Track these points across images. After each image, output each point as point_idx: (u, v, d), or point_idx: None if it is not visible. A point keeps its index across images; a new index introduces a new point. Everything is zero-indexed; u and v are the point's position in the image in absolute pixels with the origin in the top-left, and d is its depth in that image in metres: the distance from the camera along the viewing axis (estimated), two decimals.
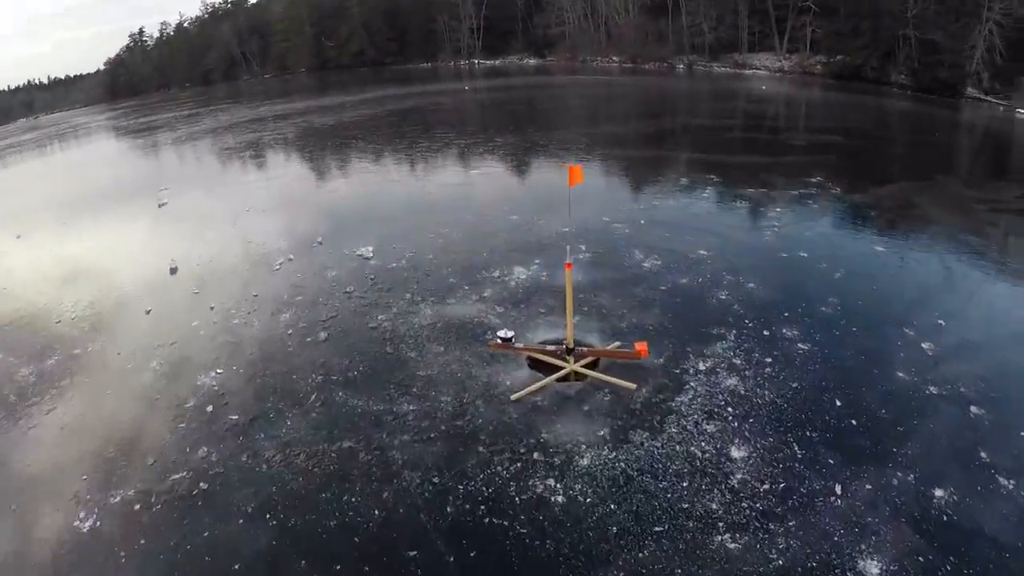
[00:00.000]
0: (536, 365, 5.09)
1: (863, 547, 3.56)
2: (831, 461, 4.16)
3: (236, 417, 4.69)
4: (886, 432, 4.41)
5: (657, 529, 3.65)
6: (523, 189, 10.86)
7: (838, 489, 3.96)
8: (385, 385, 4.90)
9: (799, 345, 5.31)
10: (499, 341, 4.97)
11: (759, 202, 9.38)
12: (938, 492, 3.93)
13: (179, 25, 59.10)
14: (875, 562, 3.44)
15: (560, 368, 4.94)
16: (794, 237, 7.80)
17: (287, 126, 20.80)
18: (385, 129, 18.66)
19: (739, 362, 5.07)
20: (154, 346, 5.81)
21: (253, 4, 55.81)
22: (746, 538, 3.58)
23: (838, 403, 4.64)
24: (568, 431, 4.34)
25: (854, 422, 4.47)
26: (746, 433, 4.34)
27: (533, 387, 4.69)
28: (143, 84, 57.35)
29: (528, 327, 5.63)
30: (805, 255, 7.23)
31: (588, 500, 3.84)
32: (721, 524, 3.66)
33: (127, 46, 61.02)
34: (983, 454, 4.10)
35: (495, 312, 5.91)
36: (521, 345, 5.08)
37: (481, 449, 4.19)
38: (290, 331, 5.86)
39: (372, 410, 4.63)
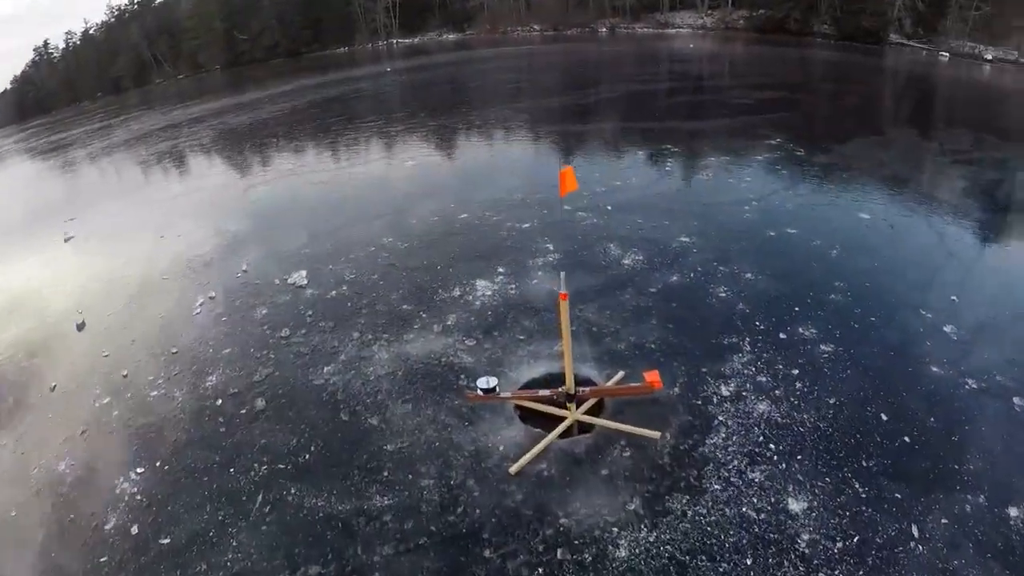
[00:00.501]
0: (528, 415, 4.16)
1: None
2: (898, 495, 3.52)
3: (168, 541, 3.56)
4: (941, 445, 3.82)
5: None
6: (466, 179, 9.75)
7: (915, 531, 3.34)
8: (347, 471, 3.86)
9: (822, 347, 4.62)
10: (480, 393, 4.00)
11: (727, 172, 8.73)
12: (1013, 512, 3.39)
13: (85, 33, 55.78)
14: None
15: (560, 419, 4.02)
16: (775, 211, 7.16)
17: (202, 130, 18.82)
18: (307, 123, 17.01)
19: (764, 380, 4.30)
20: (60, 440, 4.53)
21: (160, 3, 52.77)
22: None
23: (884, 417, 3.98)
24: (590, 510, 3.46)
25: (907, 439, 3.84)
26: (798, 476, 3.59)
27: (533, 451, 3.78)
28: (52, 100, 53.85)
29: (508, 362, 4.69)
30: (794, 231, 6.60)
31: None
32: None
33: (32, 61, 57.63)
34: None
35: (464, 346, 4.92)
36: (508, 394, 4.13)
37: (488, 554, 3.27)
38: (219, 401, 4.70)
39: (337, 512, 3.60)
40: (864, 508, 3.44)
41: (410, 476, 3.79)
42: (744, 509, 3.44)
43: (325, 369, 4.90)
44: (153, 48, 50.52)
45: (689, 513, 3.43)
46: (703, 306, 5.23)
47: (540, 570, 3.17)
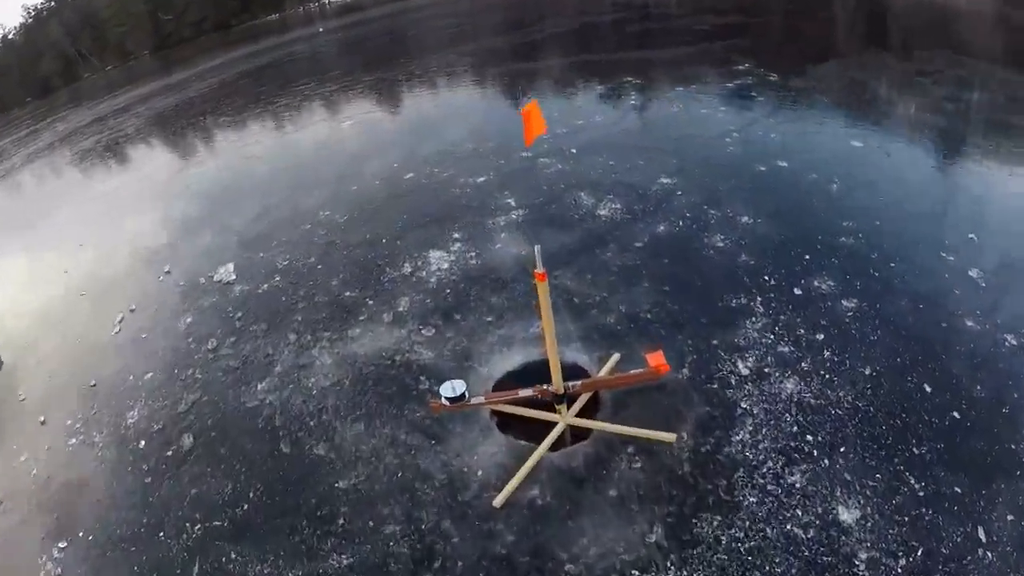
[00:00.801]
0: (508, 421, 3.37)
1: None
2: (957, 489, 2.93)
3: None
4: (992, 420, 3.23)
5: None
6: (410, 134, 8.57)
7: (981, 534, 2.77)
8: (295, 522, 3.04)
9: (844, 304, 3.94)
10: (445, 402, 3.15)
11: (698, 102, 7.86)
12: None
13: (3, 39, 51.62)
14: None
15: (548, 425, 3.24)
16: (760, 143, 6.37)
17: (128, 119, 16.94)
18: (237, 96, 15.24)
19: (786, 350, 3.60)
20: None
21: None
22: None
23: (927, 388, 3.36)
24: (601, 547, 2.75)
25: (956, 414, 3.23)
26: (844, 474, 2.94)
27: (520, 474, 3.01)
28: None
29: (477, 353, 3.86)
30: (785, 165, 5.83)
31: None
32: None
33: None
34: None
35: (421, 338, 4.05)
36: (481, 398, 3.30)
37: None
38: (143, 443, 3.78)
39: None
40: (923, 510, 2.84)
41: (371, 523, 2.97)
42: (788, 527, 2.76)
43: (259, 386, 3.98)
44: (77, 43, 47.77)
45: (723, 539, 2.74)
46: (700, 260, 4.46)
47: None
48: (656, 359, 3.36)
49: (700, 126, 6.96)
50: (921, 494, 2.90)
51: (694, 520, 2.83)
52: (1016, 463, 3.03)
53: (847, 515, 2.82)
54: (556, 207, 5.40)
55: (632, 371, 3.45)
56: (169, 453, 3.65)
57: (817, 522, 2.80)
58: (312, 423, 3.60)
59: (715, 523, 2.81)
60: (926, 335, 3.69)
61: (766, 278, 4.25)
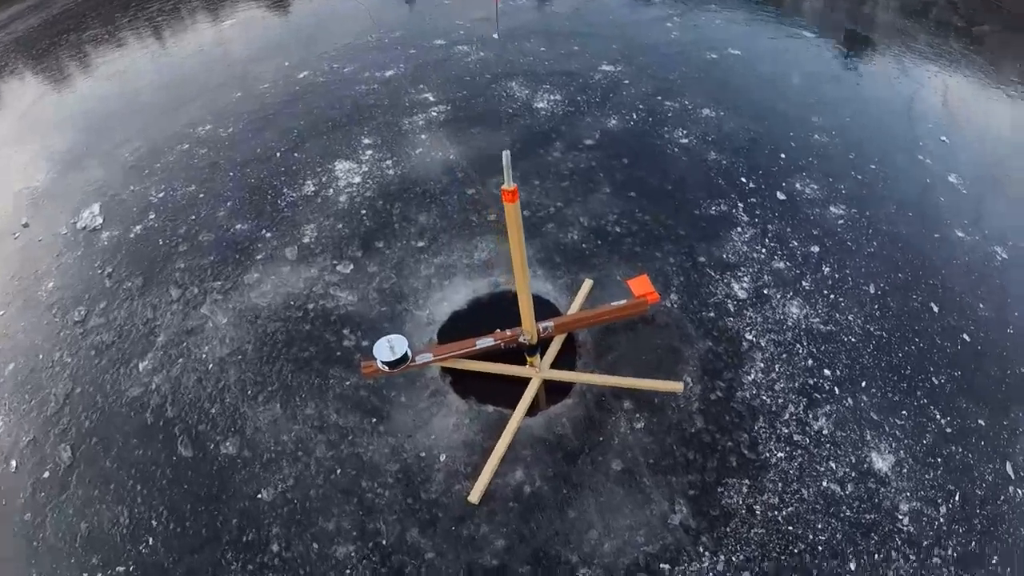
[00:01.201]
0: (463, 381, 2.63)
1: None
2: (981, 422, 2.68)
3: None
4: (1000, 341, 2.99)
5: None
6: (304, 27, 6.85)
7: (1009, 470, 2.56)
8: (215, 557, 2.26)
9: (832, 210, 3.50)
10: (383, 366, 2.34)
11: None
12: None
13: None
14: None
15: (520, 382, 2.55)
16: (707, 28, 5.67)
17: None
18: (105, 6, 11.81)
19: (783, 265, 3.11)
20: None
21: None
22: None
23: (934, 308, 3.05)
24: (617, 540, 2.18)
25: (966, 336, 2.98)
26: (871, 413, 2.56)
27: (497, 455, 2.30)
28: None
29: (410, 290, 3.04)
30: (738, 53, 5.19)
31: None
32: None
33: None
34: None
35: (338, 276, 3.14)
36: (429, 356, 2.51)
37: None
38: (13, 464, 2.64)
39: None
40: (953, 448, 2.55)
41: (315, 545, 2.19)
42: (824, 483, 2.32)
43: (141, 366, 2.91)
44: None
45: (757, 508, 2.24)
46: (665, 160, 3.79)
47: None
48: (641, 286, 2.73)
49: (636, 8, 6.07)
50: (948, 430, 2.58)
51: (720, 489, 2.30)
52: (1020, 393, 2.77)
53: (881, 462, 2.43)
54: (483, 101, 4.43)
55: (615, 303, 2.78)
56: (46, 475, 2.58)
57: (853, 474, 2.39)
58: (213, 410, 2.65)
59: (744, 489, 2.30)
60: (922, 247, 3.33)
61: (743, 180, 3.66)
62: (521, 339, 2.41)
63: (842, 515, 2.31)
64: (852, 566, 2.21)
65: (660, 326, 2.84)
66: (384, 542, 2.18)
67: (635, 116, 4.25)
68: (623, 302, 2.79)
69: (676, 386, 2.52)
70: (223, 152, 4.17)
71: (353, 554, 2.16)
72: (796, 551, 2.22)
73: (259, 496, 2.33)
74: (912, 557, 2.25)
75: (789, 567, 2.18)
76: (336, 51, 5.33)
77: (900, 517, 2.34)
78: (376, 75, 4.78)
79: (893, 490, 2.40)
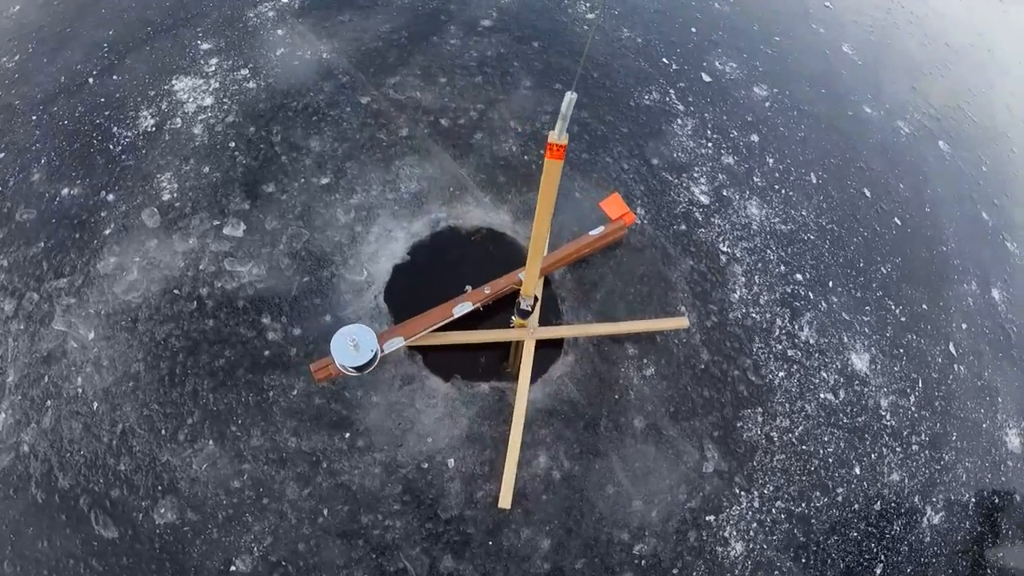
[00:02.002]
0: (436, 357, 2.25)
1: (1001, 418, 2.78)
2: (924, 306, 2.97)
3: None
4: (922, 220, 3.28)
5: None
6: None
7: (952, 349, 2.90)
8: None
9: (756, 91, 3.45)
10: (350, 371, 1.88)
11: None
12: (996, 295, 3.19)
13: None
14: None
15: (510, 347, 2.24)
16: None
17: None
18: None
19: (731, 161, 3.03)
20: None
21: None
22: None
23: (867, 193, 3.25)
24: (664, 504, 2.11)
25: (897, 220, 3.22)
26: (842, 314, 2.74)
27: (514, 445, 2.02)
28: None
29: (333, 248, 2.44)
30: None
31: None
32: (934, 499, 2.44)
33: None
34: (985, 216, 3.40)
35: (226, 242, 2.43)
36: (400, 340, 2.07)
37: None
38: None
39: None
40: (910, 336, 2.82)
41: None
42: (822, 395, 2.40)
43: None
44: None
45: (775, 435, 2.26)
46: (580, 42, 3.36)
47: None
48: (616, 207, 2.46)
49: None
50: (903, 319, 2.79)
51: (738, 424, 2.26)
52: (950, 266, 3.05)
53: (860, 362, 2.57)
54: None
55: (593, 232, 2.47)
56: None
57: (842, 380, 2.50)
58: (122, 466, 1.95)
59: (759, 418, 2.28)
60: (841, 128, 3.42)
61: (665, 61, 3.39)
62: (523, 305, 2.02)
63: (841, 424, 2.41)
64: (857, 471, 2.33)
65: (638, 249, 2.59)
66: None
67: None
68: (601, 229, 2.48)
69: (682, 322, 2.35)
70: (15, 89, 2.89)
71: None
72: (812, 468, 2.28)
73: (232, 569, 1.80)
74: (898, 450, 2.44)
75: (810, 485, 2.24)
76: None
77: (883, 414, 2.50)
78: None
79: (873, 388, 2.53)
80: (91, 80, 2.94)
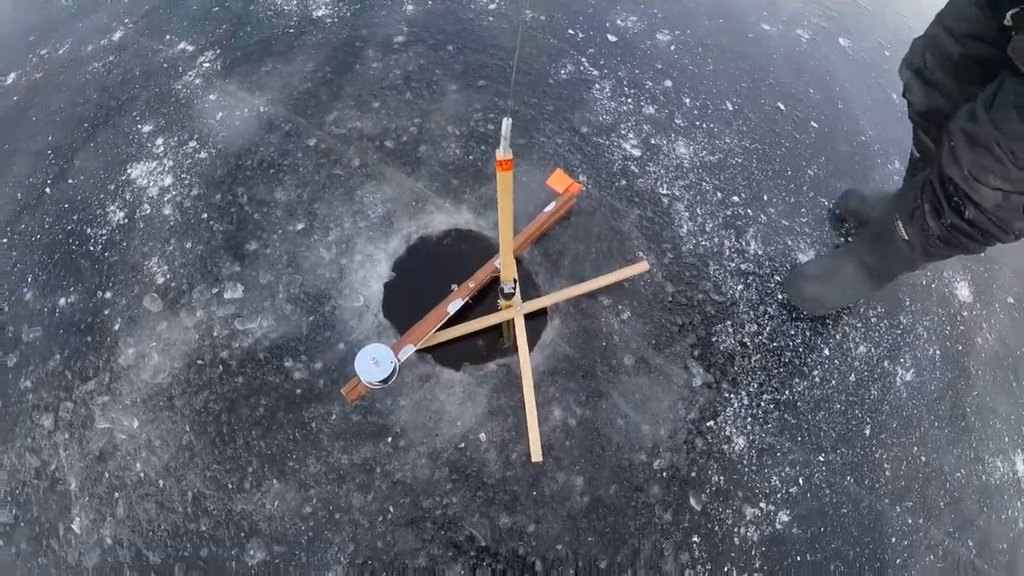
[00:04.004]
0: (442, 352, 2.67)
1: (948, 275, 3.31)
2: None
3: None
4: (837, 117, 3.69)
5: None
6: None
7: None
8: None
9: (659, 38, 3.90)
10: (375, 385, 2.30)
11: None
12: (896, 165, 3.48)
13: None
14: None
15: (502, 327, 2.67)
16: None
17: None
18: None
19: (652, 110, 3.47)
20: None
21: None
22: None
23: (781, 106, 3.71)
24: (667, 421, 2.53)
25: (814, 124, 3.67)
26: (782, 221, 3.22)
27: (531, 408, 2.46)
28: None
29: (330, 286, 2.82)
30: None
31: None
32: (903, 359, 2.73)
33: None
34: (895, 96, 3.75)
35: (229, 305, 2.79)
36: (411, 348, 2.48)
37: None
38: None
39: None
40: (847, 224, 3.20)
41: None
42: (779, 295, 2.87)
43: (76, 527, 2.40)
44: None
45: (747, 341, 2.73)
46: (489, 33, 3.75)
47: None
48: (560, 181, 2.88)
49: None
50: (836, 211, 3.19)
51: (713, 339, 2.72)
52: (872, 151, 3.52)
53: (806, 258, 3.00)
54: (252, 30, 3.80)
55: (547, 209, 2.89)
56: None
57: (781, 258, 2.91)
58: (203, 527, 2.31)
59: (730, 329, 2.75)
60: (745, 51, 3.81)
61: (572, 32, 3.79)
62: (506, 289, 2.43)
63: (802, 316, 2.86)
64: (826, 352, 2.81)
65: (589, 212, 3.00)
66: (483, 544, 2.25)
67: None
68: (553, 204, 2.88)
69: (643, 267, 2.77)
70: None
71: (464, 574, 2.21)
72: (786, 360, 2.75)
73: None
74: (859, 325, 2.93)
75: (788, 375, 2.71)
76: (28, 32, 4.05)
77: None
78: (103, 43, 3.77)
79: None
80: (48, 190, 3.22)
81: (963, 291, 3.17)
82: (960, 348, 2.99)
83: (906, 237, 2.28)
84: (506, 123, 1.61)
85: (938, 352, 2.95)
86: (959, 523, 2.61)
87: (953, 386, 2.88)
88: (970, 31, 1.90)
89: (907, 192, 2.30)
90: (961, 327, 3.06)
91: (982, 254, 2.25)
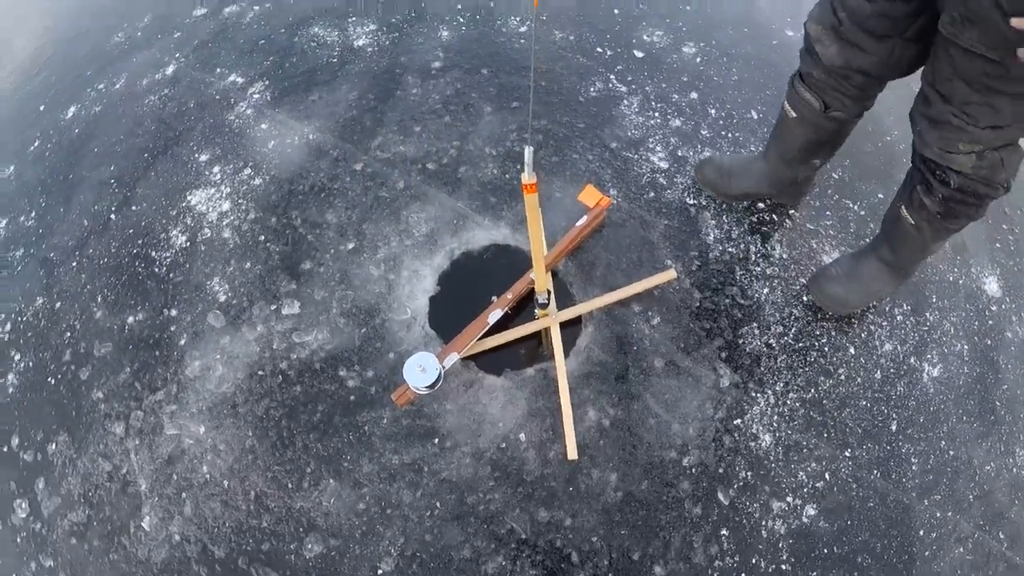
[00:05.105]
0: (485, 360, 2.97)
1: (975, 271, 3.45)
2: (880, 195, 3.63)
3: None
4: (862, 122, 3.71)
5: None
6: (18, 55, 5.54)
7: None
8: None
9: (685, 51, 4.17)
10: (423, 391, 2.61)
11: None
12: None
13: None
14: None
15: (539, 335, 2.97)
16: None
17: None
18: None
19: (679, 123, 3.73)
20: None
21: None
22: None
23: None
24: (697, 420, 2.77)
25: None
26: (807, 225, 3.40)
27: (567, 410, 2.73)
28: None
29: (379, 299, 3.14)
30: None
31: None
32: (929, 355, 2.93)
33: None
34: None
35: (287, 321, 3.13)
36: (456, 356, 2.78)
37: None
38: None
39: None
40: (872, 226, 3.50)
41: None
42: (805, 297, 3.11)
43: (146, 525, 2.77)
44: None
45: (773, 343, 2.96)
46: (521, 55, 4.03)
47: None
48: (592, 196, 3.15)
49: None
50: (862, 213, 3.45)
51: (740, 341, 2.94)
52: (897, 151, 3.71)
53: (830, 259, 3.19)
54: (299, 60, 4.18)
55: (579, 223, 3.18)
56: None
57: (812, 267, 3.12)
58: (264, 524, 2.64)
59: (756, 331, 2.98)
60: (769, 59, 4.03)
61: (600, 50, 4.06)
62: (540, 300, 2.72)
63: (827, 316, 3.08)
64: (852, 351, 3.01)
65: (620, 224, 3.27)
66: (523, 536, 2.53)
67: (461, 19, 4.32)
68: (585, 219, 3.16)
69: (670, 275, 3.03)
70: (44, 243, 3.60)
71: (505, 564, 2.50)
72: (811, 359, 2.96)
73: (380, 573, 2.52)
74: (885, 324, 3.12)
75: (814, 373, 2.92)
76: (86, 66, 4.55)
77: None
78: (157, 77, 4.22)
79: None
80: (113, 216, 3.64)
81: (992, 286, 3.33)
82: (989, 343, 3.16)
83: (912, 222, 2.51)
84: (528, 151, 1.91)
85: (966, 347, 3.12)
86: (990, 516, 2.78)
87: (982, 380, 3.05)
88: None
89: (904, 182, 2.55)
90: (990, 321, 3.23)
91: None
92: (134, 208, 3.55)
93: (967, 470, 2.82)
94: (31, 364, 3.20)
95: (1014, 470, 2.88)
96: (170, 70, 4.24)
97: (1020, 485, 2.87)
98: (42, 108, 4.39)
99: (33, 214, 3.83)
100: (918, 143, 2.08)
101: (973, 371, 3.07)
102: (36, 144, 4.15)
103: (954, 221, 2.38)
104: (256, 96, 3.95)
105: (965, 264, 3.37)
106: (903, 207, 2.51)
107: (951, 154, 1.97)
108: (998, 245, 3.46)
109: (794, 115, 2.73)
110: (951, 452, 2.84)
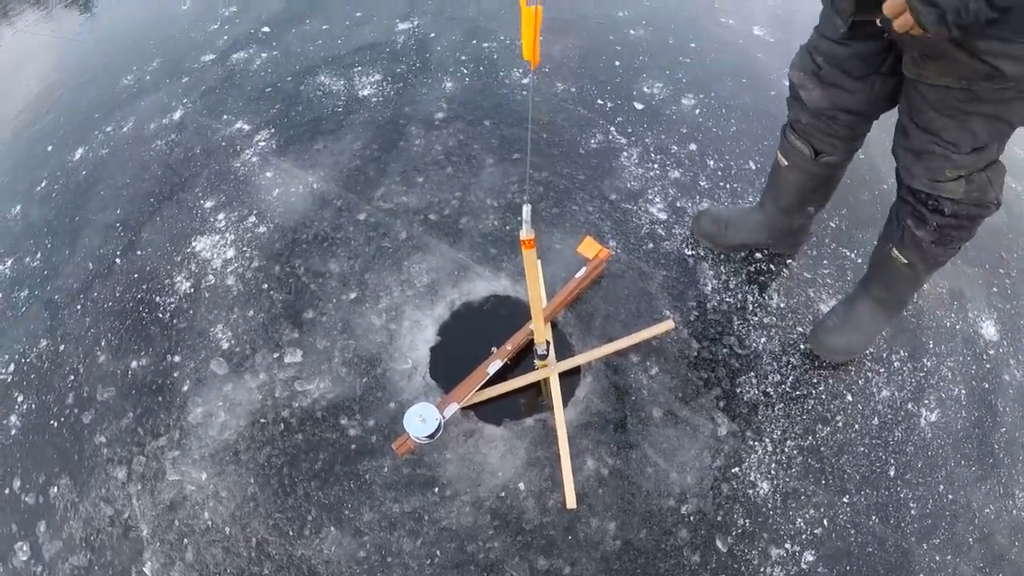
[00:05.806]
0: (484, 410, 3.11)
1: (973, 316, 3.53)
2: (876, 243, 3.66)
3: None
4: (858, 170, 3.84)
5: None
6: (28, 96, 5.85)
7: None
8: None
9: (684, 103, 4.37)
10: (423, 440, 2.75)
11: None
12: None
13: None
14: None
15: (538, 385, 3.12)
16: None
17: None
18: None
19: (677, 174, 3.91)
20: None
21: None
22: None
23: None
24: (694, 470, 2.89)
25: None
26: (804, 274, 3.58)
27: (565, 459, 2.87)
28: None
29: (380, 350, 3.30)
30: None
31: None
32: (927, 400, 3.04)
33: None
34: None
35: (289, 369, 3.28)
36: (455, 406, 2.93)
37: None
38: None
39: None
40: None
41: None
42: (802, 346, 3.24)
43: (148, 571, 2.82)
44: None
45: (771, 391, 3.10)
46: (522, 107, 4.28)
47: None
48: (591, 248, 3.32)
49: None
50: (859, 260, 3.59)
51: (737, 390, 3.10)
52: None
53: (827, 308, 3.36)
54: (304, 109, 4.43)
55: (578, 275, 3.35)
56: None
57: (807, 330, 3.28)
58: (266, 571, 2.76)
59: (754, 380, 3.13)
60: (767, 109, 4.27)
61: (600, 102, 4.30)
62: (539, 351, 2.88)
63: (824, 364, 3.24)
64: (849, 398, 3.15)
65: (619, 275, 3.45)
66: None
67: (465, 70, 4.59)
68: (584, 271, 3.34)
69: (668, 325, 3.20)
70: (48, 285, 3.78)
71: None
72: (808, 407, 3.11)
73: None
74: (882, 370, 3.25)
75: (811, 421, 3.06)
76: (94, 108, 4.81)
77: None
78: (164, 122, 4.48)
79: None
80: (118, 260, 3.82)
81: (989, 329, 3.49)
82: (987, 386, 3.30)
83: (904, 261, 2.68)
84: (526, 209, 2.10)
85: (963, 391, 3.27)
86: (990, 558, 2.89)
87: (980, 424, 3.19)
88: (847, 35, 2.23)
89: (888, 222, 2.72)
90: (988, 365, 3.38)
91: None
92: (139, 253, 3.74)
93: (966, 513, 2.94)
94: (34, 406, 3.35)
95: (1014, 512, 3.00)
96: (177, 115, 4.49)
97: (1020, 527, 2.98)
98: (50, 148, 4.63)
99: (38, 255, 4.01)
100: (905, 176, 2.24)
101: (971, 415, 3.21)
102: (43, 184, 4.37)
103: (948, 247, 2.53)
104: (262, 144, 4.18)
105: (962, 309, 3.53)
106: (893, 248, 2.68)
107: (940, 183, 2.10)
108: (995, 289, 3.63)
109: (786, 163, 2.94)
110: (950, 496, 2.96)
